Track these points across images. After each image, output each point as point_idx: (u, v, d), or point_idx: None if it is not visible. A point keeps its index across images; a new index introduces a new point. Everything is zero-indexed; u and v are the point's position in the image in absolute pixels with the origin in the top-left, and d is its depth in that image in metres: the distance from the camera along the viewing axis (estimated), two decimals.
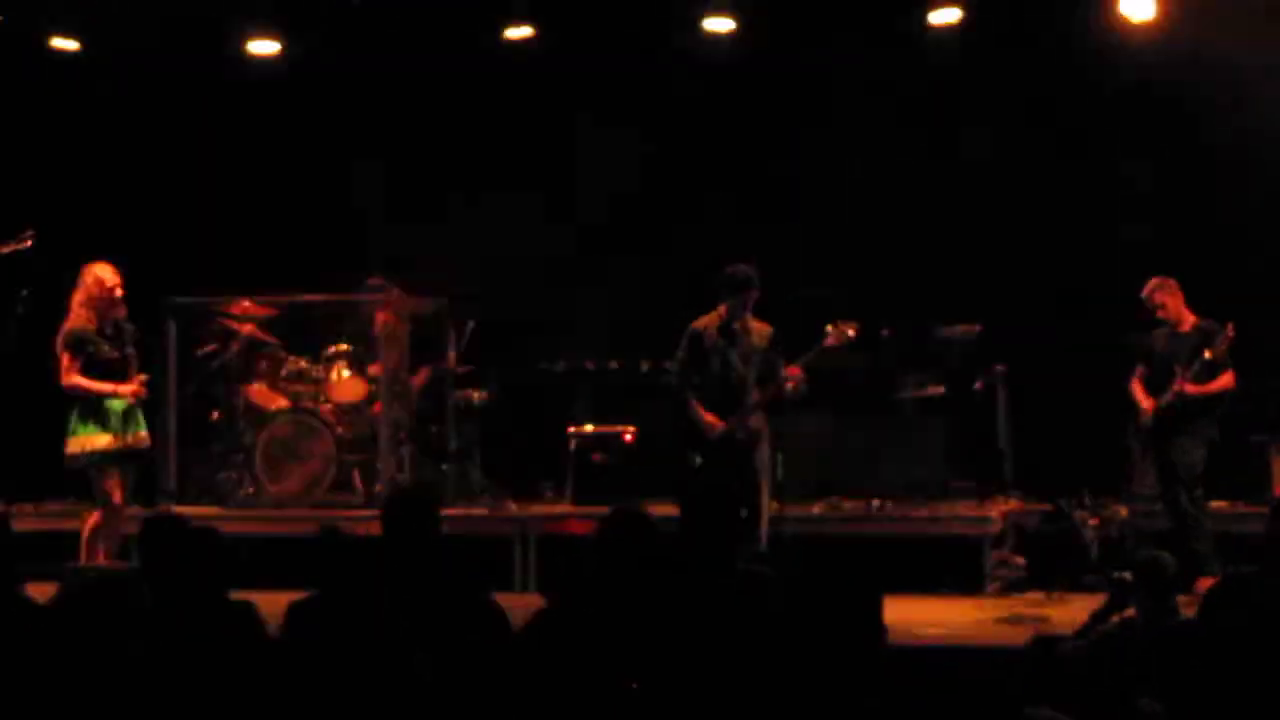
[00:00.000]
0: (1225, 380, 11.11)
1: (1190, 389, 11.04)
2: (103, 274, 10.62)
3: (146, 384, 10.82)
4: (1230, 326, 11.01)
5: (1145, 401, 11.29)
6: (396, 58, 13.97)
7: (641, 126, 13.91)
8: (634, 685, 5.77)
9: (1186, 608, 7.12)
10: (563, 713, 5.81)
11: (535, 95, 14.04)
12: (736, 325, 10.73)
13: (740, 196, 13.76)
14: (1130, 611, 7.33)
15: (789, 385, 10.64)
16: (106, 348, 10.55)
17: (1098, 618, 7.72)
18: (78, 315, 10.57)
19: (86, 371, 10.51)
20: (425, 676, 5.84)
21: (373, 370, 13.16)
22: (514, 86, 14.01)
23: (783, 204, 13.75)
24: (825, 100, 13.68)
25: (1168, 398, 11.14)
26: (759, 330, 10.78)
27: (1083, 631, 7.66)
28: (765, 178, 13.78)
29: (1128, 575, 7.72)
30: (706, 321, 10.82)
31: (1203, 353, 11.02)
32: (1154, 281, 11.34)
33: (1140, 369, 11.41)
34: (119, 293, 10.65)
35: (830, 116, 13.69)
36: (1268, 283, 12.67)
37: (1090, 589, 10.64)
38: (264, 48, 13.90)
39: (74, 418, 10.51)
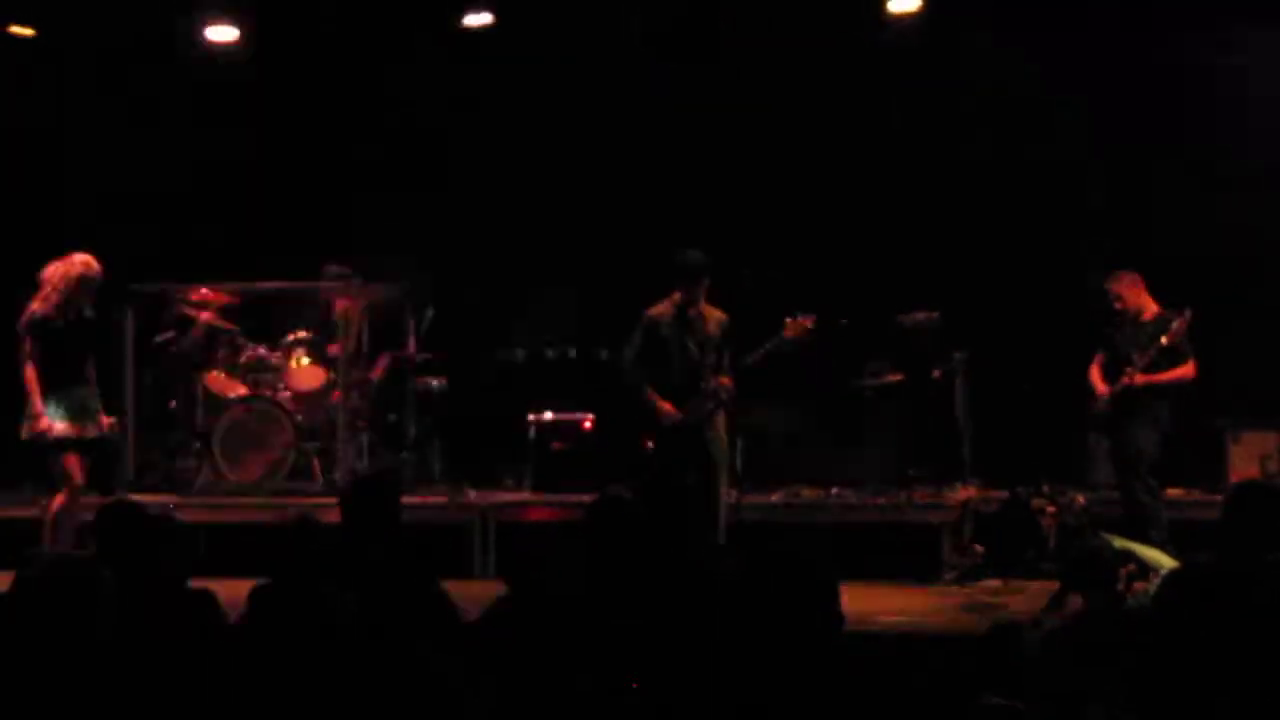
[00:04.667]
0: (1184, 370, 10.97)
1: (1139, 379, 10.96)
2: (90, 262, 10.56)
3: (112, 426, 10.92)
4: (1186, 313, 10.96)
5: (1100, 387, 11.25)
6: (353, 43, 13.96)
7: (600, 119, 13.90)
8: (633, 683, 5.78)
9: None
10: (522, 698, 5.82)
11: (498, 81, 14.01)
12: (692, 312, 10.72)
13: (698, 185, 13.73)
14: (1077, 602, 7.37)
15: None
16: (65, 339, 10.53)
17: (1052, 604, 7.76)
18: (48, 299, 10.49)
19: (45, 358, 10.45)
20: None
21: (332, 350, 13.11)
22: (479, 73, 13.98)
23: (741, 192, 13.74)
24: (780, 88, 13.67)
25: (1118, 387, 11.12)
26: (715, 317, 10.78)
27: (1040, 619, 7.69)
28: (723, 166, 13.76)
29: None
30: (661, 309, 10.81)
31: (1159, 341, 10.99)
32: (1113, 276, 11.31)
33: (1100, 354, 11.36)
34: (96, 282, 10.63)
35: (786, 105, 13.69)
36: (1230, 269, 12.74)
37: (1048, 577, 10.68)
38: (222, 34, 13.86)
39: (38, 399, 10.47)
